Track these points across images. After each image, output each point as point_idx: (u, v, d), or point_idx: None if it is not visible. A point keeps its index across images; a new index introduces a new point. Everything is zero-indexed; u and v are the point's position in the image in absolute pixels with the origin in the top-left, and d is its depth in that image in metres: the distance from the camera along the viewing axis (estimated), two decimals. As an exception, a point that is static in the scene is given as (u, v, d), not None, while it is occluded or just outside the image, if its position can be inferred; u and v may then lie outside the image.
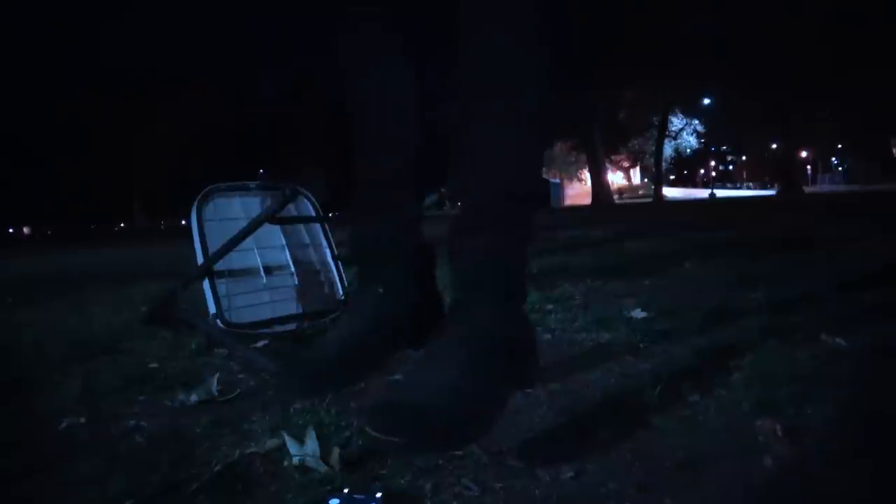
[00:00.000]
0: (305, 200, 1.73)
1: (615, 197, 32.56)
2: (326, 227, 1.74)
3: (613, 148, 39.25)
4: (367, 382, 1.18)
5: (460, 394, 0.83)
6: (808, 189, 35.71)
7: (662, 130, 33.16)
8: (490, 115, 0.92)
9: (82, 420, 1.09)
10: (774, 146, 35.89)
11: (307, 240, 1.73)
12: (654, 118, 33.77)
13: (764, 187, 51.28)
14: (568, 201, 37.46)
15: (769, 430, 0.86)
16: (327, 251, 1.73)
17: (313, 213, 1.72)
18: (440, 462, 0.84)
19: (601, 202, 27.35)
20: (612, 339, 1.50)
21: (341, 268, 1.74)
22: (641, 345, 1.42)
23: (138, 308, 2.22)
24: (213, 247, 1.50)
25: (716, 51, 22.60)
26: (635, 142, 39.21)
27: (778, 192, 30.29)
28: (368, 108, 1.13)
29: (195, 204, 1.58)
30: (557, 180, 39.96)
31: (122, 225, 45.98)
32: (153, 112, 28.71)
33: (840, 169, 54.33)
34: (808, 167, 56.47)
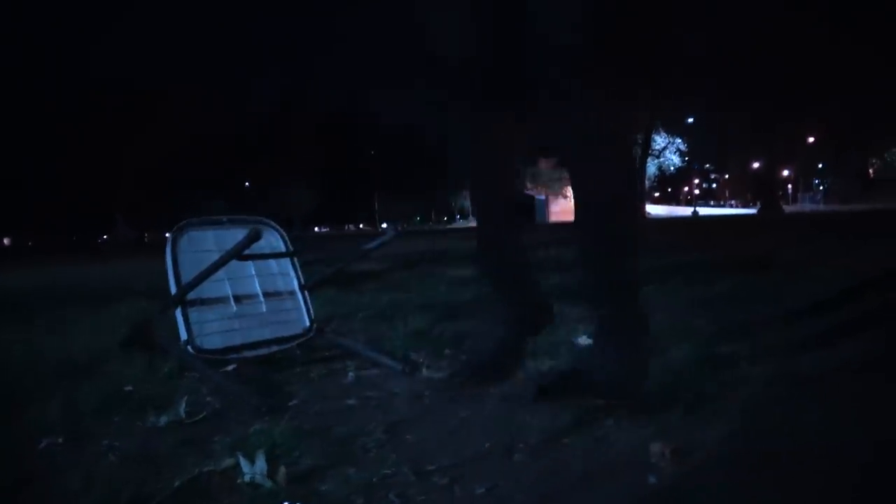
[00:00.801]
0: (275, 233, 1.86)
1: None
2: (295, 259, 1.87)
3: (598, 165, 39.52)
4: (520, 368, 1.55)
5: (625, 368, 1.26)
6: (788, 208, 36.22)
7: (646, 149, 33.58)
8: (601, 172, 1.28)
9: (60, 440, 1.20)
10: (756, 164, 36.46)
11: (276, 270, 1.85)
12: (638, 136, 34.19)
13: (747, 205, 51.92)
14: (553, 217, 37.75)
15: (659, 452, 1.00)
16: (294, 280, 1.86)
17: (283, 247, 1.85)
18: (374, 480, 0.97)
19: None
20: (554, 367, 1.63)
21: (307, 296, 1.86)
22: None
23: (119, 330, 2.32)
24: (187, 277, 1.61)
25: (702, 62, 22.89)
26: (620, 159, 39.56)
27: (759, 211, 30.74)
28: (481, 173, 1.54)
29: (170, 236, 1.70)
30: (542, 196, 40.29)
31: (104, 237, 45.48)
32: (144, 118, 28.68)
33: (821, 188, 55.24)
34: (790, 186, 57.28)
